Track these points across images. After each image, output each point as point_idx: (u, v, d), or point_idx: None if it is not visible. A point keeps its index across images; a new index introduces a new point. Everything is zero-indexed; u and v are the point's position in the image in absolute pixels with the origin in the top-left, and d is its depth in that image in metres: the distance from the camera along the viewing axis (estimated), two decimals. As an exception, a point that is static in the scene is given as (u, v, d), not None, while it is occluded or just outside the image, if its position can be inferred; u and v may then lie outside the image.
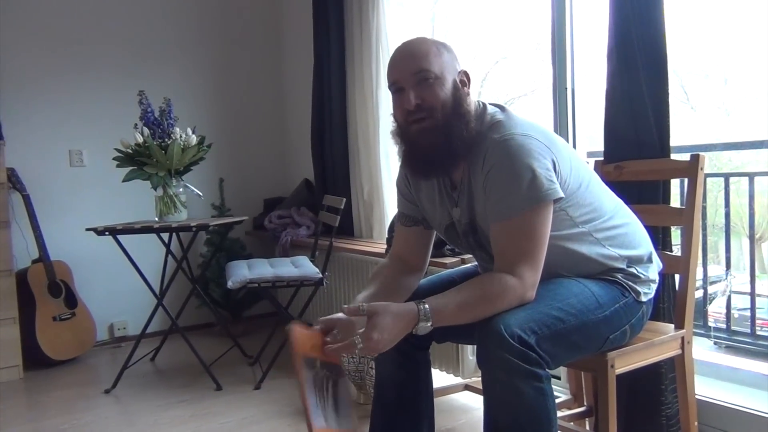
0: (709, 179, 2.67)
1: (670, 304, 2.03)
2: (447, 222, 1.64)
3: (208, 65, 4.18)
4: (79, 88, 3.74)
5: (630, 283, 1.59)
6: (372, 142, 3.39)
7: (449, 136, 1.47)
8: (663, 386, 2.04)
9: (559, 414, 1.92)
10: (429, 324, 1.38)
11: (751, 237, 2.73)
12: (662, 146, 2.03)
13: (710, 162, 2.58)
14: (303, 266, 3.13)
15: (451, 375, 2.68)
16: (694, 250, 1.82)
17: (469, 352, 2.60)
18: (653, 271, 1.67)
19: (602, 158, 2.17)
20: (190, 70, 4.11)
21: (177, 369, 3.33)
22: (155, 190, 3.05)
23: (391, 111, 1.57)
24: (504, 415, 1.36)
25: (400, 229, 1.74)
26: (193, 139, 3.07)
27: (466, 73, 1.55)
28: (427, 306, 1.38)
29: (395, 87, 1.51)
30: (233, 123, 4.27)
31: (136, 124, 3.02)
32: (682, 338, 1.80)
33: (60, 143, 3.71)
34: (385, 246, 2.90)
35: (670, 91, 2.03)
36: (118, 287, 3.77)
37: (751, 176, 2.67)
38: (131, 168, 3.00)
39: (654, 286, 1.66)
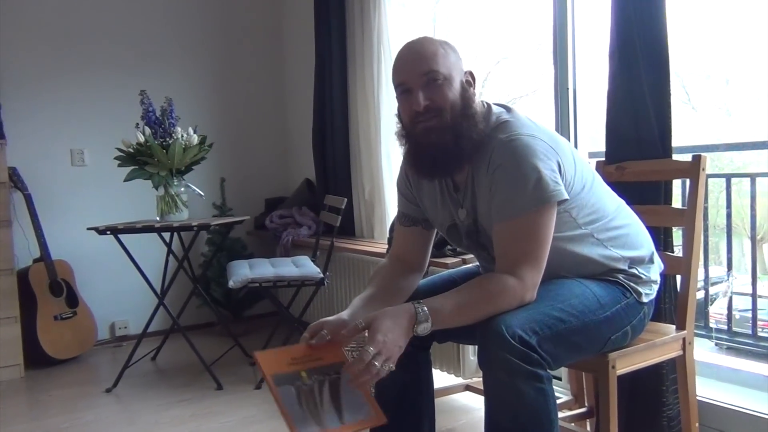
0: (710, 180, 2.67)
1: (672, 304, 2.03)
2: (449, 222, 1.64)
3: (210, 65, 4.18)
4: (80, 88, 3.75)
5: (631, 283, 1.59)
6: (373, 142, 3.39)
7: (458, 137, 1.46)
8: (664, 387, 2.04)
9: (560, 415, 1.92)
10: (428, 324, 1.37)
11: (753, 238, 2.73)
12: (664, 147, 2.03)
13: (712, 163, 2.58)
14: (304, 266, 3.13)
15: (452, 375, 2.67)
16: (695, 250, 1.82)
17: (470, 352, 2.60)
18: (655, 271, 1.67)
19: (604, 159, 2.17)
20: (191, 70, 4.11)
21: (178, 368, 3.33)
22: (156, 189, 3.06)
23: (395, 111, 1.56)
24: (505, 415, 1.36)
25: (399, 229, 1.73)
26: (195, 139, 3.07)
27: (471, 74, 1.54)
28: (425, 307, 1.37)
29: (402, 88, 1.49)
30: (234, 122, 4.27)
31: (137, 124, 3.02)
32: (684, 339, 1.80)
33: (61, 142, 3.71)
34: (386, 246, 2.90)
35: (671, 91, 2.03)
36: (119, 286, 3.77)
37: (752, 177, 2.67)
38: (133, 167, 3.00)
39: (655, 287, 1.66)
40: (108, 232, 2.94)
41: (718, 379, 2.25)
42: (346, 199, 3.16)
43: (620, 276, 1.59)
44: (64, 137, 3.71)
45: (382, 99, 3.31)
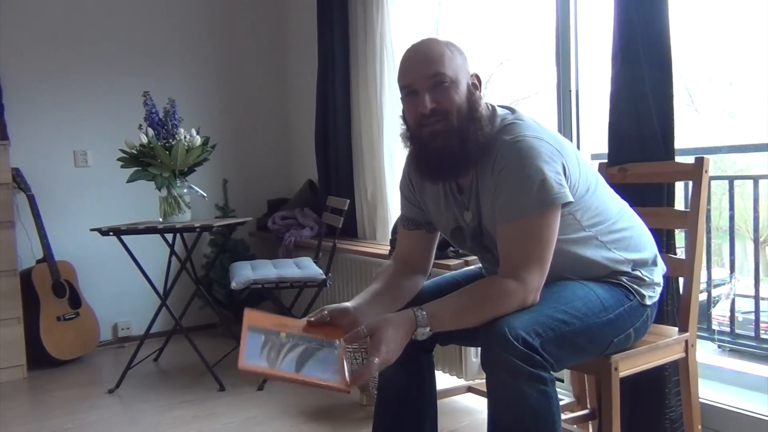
0: (713, 182, 2.66)
1: (674, 307, 2.03)
2: (453, 225, 1.63)
3: (213, 66, 4.19)
4: (83, 89, 3.75)
5: (635, 286, 1.59)
6: (376, 144, 3.39)
7: (464, 141, 1.46)
8: (667, 389, 2.04)
9: (563, 417, 1.92)
10: (427, 329, 1.38)
11: (756, 240, 2.73)
12: (666, 149, 2.03)
13: (714, 165, 2.57)
14: (306, 267, 3.13)
15: (454, 377, 2.67)
16: (698, 252, 1.82)
17: (473, 354, 2.60)
18: (658, 274, 1.67)
19: (606, 160, 2.17)
20: (194, 71, 4.12)
21: (180, 369, 3.33)
22: (159, 190, 3.06)
23: (399, 113, 1.56)
24: (507, 417, 1.36)
25: (402, 232, 1.73)
26: (198, 140, 3.07)
27: (477, 76, 1.53)
28: (424, 312, 1.38)
29: (408, 90, 1.49)
30: (237, 124, 4.27)
31: (140, 125, 3.02)
32: (686, 341, 1.80)
33: (65, 144, 3.72)
34: (389, 248, 2.90)
35: (674, 93, 2.03)
36: (122, 287, 3.78)
37: (755, 179, 2.67)
38: (136, 168, 3.01)
39: (658, 290, 1.66)
40: (111, 233, 2.95)
41: (720, 382, 2.25)
42: (348, 201, 3.17)
43: (623, 278, 1.59)
44: (67, 138, 3.72)
45: (385, 100, 3.31)
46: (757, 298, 2.66)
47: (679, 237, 2.11)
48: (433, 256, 1.73)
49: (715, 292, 2.85)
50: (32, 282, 3.38)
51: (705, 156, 1.84)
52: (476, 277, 1.71)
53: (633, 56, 2.05)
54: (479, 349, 1.44)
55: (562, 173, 1.43)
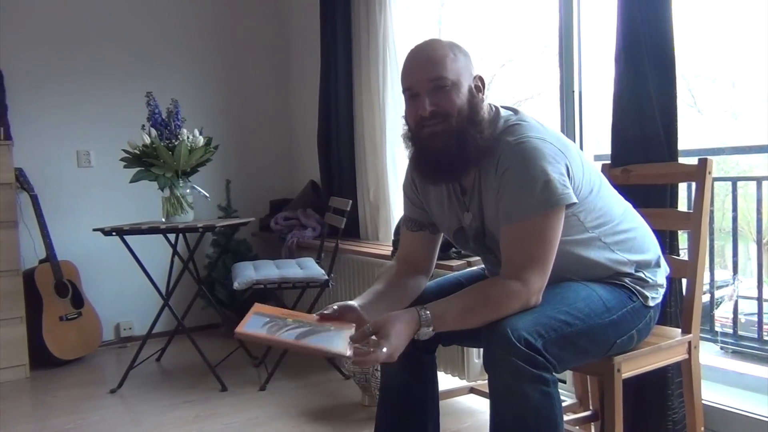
0: (716, 183, 2.66)
1: (677, 308, 2.02)
2: (456, 226, 1.63)
3: (216, 67, 4.19)
4: (87, 89, 3.76)
5: (638, 287, 1.59)
6: (378, 144, 3.39)
7: (463, 143, 1.46)
8: (669, 391, 2.03)
9: (565, 418, 1.92)
10: (430, 329, 1.38)
11: (759, 241, 2.72)
12: (670, 150, 2.03)
13: (718, 166, 2.57)
14: (309, 268, 3.13)
15: (457, 378, 2.67)
16: (701, 254, 1.82)
17: (475, 355, 2.59)
18: (661, 275, 1.67)
19: (609, 161, 2.17)
20: (197, 72, 4.12)
21: (182, 369, 3.34)
22: (162, 191, 3.06)
23: (402, 113, 1.56)
24: (510, 418, 1.36)
25: (405, 233, 1.73)
26: (200, 141, 3.07)
27: (481, 78, 1.53)
28: (428, 312, 1.38)
29: (410, 92, 1.49)
30: (240, 124, 4.28)
31: (143, 125, 3.03)
32: (689, 343, 1.80)
33: (68, 144, 3.73)
34: (391, 248, 2.90)
35: (677, 94, 2.02)
36: (124, 287, 3.78)
37: (758, 180, 2.66)
38: (138, 169, 3.01)
39: (662, 291, 1.66)
40: (114, 233, 2.95)
41: (723, 383, 2.24)
42: (351, 201, 3.17)
43: (626, 280, 1.59)
44: (70, 138, 3.73)
45: (388, 101, 3.31)
46: (760, 299, 2.66)
47: (682, 238, 2.11)
48: (436, 257, 1.74)
49: (718, 294, 2.84)
50: (35, 282, 3.39)
51: (708, 157, 1.84)
52: (479, 278, 1.71)
53: (636, 57, 2.05)
54: (481, 350, 1.43)
55: (565, 174, 1.43)
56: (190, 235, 3.42)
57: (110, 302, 3.77)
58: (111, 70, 3.82)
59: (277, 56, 4.43)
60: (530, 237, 1.41)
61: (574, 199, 1.43)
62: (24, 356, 3.27)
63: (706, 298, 2.64)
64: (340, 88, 3.60)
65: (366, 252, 3.19)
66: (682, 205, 2.18)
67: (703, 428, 1.85)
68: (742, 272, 2.83)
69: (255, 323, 1.36)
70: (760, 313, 2.67)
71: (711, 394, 2.13)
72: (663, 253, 1.73)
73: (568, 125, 2.55)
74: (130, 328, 3.90)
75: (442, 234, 1.73)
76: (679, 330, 1.84)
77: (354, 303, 1.50)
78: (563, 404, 1.63)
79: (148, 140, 2.97)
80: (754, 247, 2.86)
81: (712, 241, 2.64)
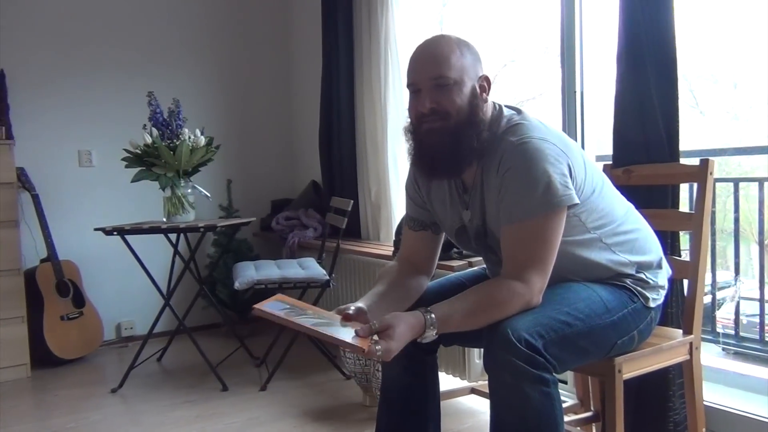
0: (718, 184, 2.66)
1: (679, 309, 2.02)
2: (458, 225, 1.63)
3: (217, 66, 4.19)
4: (88, 89, 3.76)
5: (639, 288, 1.58)
6: (380, 144, 3.40)
7: (458, 142, 1.46)
8: (671, 392, 2.03)
9: (566, 419, 1.91)
10: (434, 333, 1.38)
11: (761, 242, 2.72)
12: (671, 150, 2.03)
13: (719, 167, 2.57)
14: (310, 268, 3.13)
15: (458, 378, 2.67)
16: (702, 255, 1.81)
17: (476, 355, 2.59)
18: (662, 277, 1.66)
19: (611, 162, 2.16)
20: (198, 72, 4.12)
21: (183, 369, 3.34)
22: (163, 190, 3.06)
23: (407, 106, 1.57)
24: (510, 419, 1.36)
25: (407, 233, 1.73)
26: (202, 140, 3.07)
27: (486, 78, 1.53)
28: (433, 315, 1.38)
29: (413, 88, 1.50)
30: (241, 124, 4.28)
31: (145, 125, 3.03)
32: (691, 344, 1.79)
33: (69, 143, 3.73)
34: (393, 248, 2.90)
35: (679, 95, 2.02)
36: (125, 287, 3.78)
37: (760, 181, 2.66)
38: (140, 168, 3.01)
39: (663, 292, 1.66)
40: (115, 233, 2.95)
41: (725, 384, 2.24)
42: (352, 201, 3.16)
43: (628, 280, 1.58)
44: (71, 138, 3.73)
45: (389, 101, 3.31)
46: (761, 300, 2.65)
47: (684, 239, 2.11)
48: (437, 258, 1.73)
49: (719, 295, 2.84)
50: (36, 281, 3.39)
51: (710, 158, 1.84)
52: (480, 278, 1.71)
53: (638, 58, 2.04)
54: (482, 350, 1.43)
55: (567, 175, 1.43)
56: (192, 234, 3.42)
57: (111, 302, 3.77)
58: (113, 70, 3.82)
59: (279, 56, 4.43)
60: (531, 237, 1.41)
61: (576, 200, 1.43)
62: (25, 356, 3.27)
63: (707, 299, 2.63)
64: (341, 88, 3.60)
65: (367, 252, 3.19)
66: (684, 206, 2.18)
67: (704, 429, 1.85)
68: (743, 273, 2.83)
69: (275, 306, 1.41)
70: (761, 314, 2.67)
71: (712, 395, 2.13)
72: (665, 254, 1.73)
73: (569, 126, 2.55)
74: (131, 328, 3.91)
75: (444, 234, 1.72)
76: (681, 331, 1.83)
77: (360, 304, 1.50)
78: (564, 405, 1.63)
79: (149, 140, 2.97)
80: (755, 248, 2.85)
81: (713, 242, 2.64)
